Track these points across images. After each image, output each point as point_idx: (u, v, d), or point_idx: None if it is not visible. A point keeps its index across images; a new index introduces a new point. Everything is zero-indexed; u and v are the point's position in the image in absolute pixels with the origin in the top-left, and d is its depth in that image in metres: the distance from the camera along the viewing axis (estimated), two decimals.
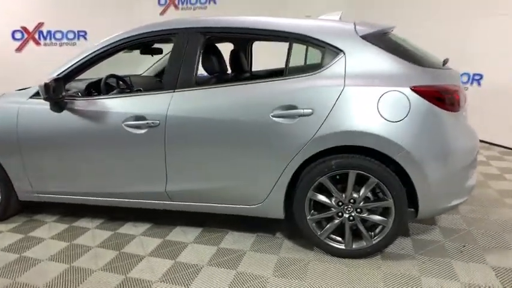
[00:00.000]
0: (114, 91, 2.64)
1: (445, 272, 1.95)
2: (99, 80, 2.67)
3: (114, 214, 2.72)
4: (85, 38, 6.04)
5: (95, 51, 2.32)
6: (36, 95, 2.37)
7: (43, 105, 2.31)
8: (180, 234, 2.45)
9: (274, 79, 2.06)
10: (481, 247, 2.17)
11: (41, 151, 2.39)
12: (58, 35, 5.90)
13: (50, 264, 2.15)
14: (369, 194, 2.02)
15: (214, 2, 6.34)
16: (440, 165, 1.90)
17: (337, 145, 1.92)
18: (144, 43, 2.45)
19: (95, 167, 2.34)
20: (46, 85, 2.10)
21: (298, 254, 2.17)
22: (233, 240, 2.34)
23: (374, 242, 2.04)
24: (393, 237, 2.04)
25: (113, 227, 2.59)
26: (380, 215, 2.03)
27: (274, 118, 1.98)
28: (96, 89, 2.61)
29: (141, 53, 3.07)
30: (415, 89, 1.87)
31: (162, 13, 6.40)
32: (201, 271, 2.02)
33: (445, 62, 2.15)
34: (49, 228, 2.60)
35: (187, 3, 6.37)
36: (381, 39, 2.03)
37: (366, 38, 2.01)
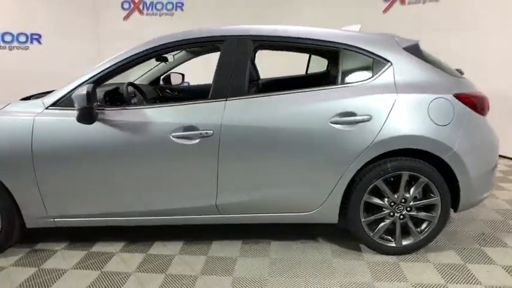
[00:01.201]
0: (135, 100, 2.44)
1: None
2: (116, 89, 2.44)
3: (129, 235, 2.49)
4: (39, 42, 5.38)
5: (131, 56, 2.13)
6: (55, 104, 2.09)
7: (65, 117, 2.05)
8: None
9: (330, 87, 2.12)
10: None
11: (63, 169, 2.09)
12: (7, 38, 5.17)
13: None
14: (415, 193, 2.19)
15: (182, 9, 6.18)
16: (478, 162, 2.14)
17: (395, 149, 2.04)
18: (184, 49, 2.29)
19: (132, 183, 2.12)
20: (88, 94, 1.86)
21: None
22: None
23: (421, 238, 2.21)
24: (438, 231, 2.22)
25: (140, 248, 2.37)
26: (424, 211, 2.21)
27: (333, 125, 2.04)
28: (116, 97, 2.38)
29: (156, 60, 2.88)
30: (457, 96, 2.09)
31: (125, 18, 6.02)
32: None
33: (461, 72, 2.44)
34: (63, 257, 2.27)
35: (152, 8, 6.10)
36: (418, 51, 2.23)
37: (407, 49, 2.19)
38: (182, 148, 2.04)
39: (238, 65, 2.11)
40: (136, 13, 6.07)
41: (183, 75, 3.64)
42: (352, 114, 2.04)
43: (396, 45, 2.19)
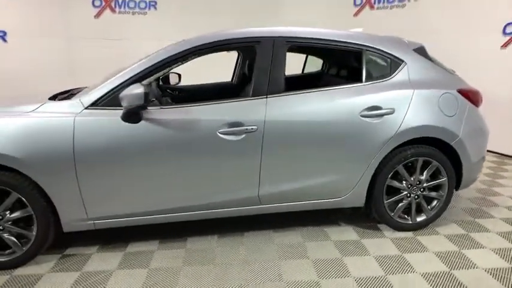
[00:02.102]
0: (166, 98, 2.46)
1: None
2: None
3: (158, 232, 2.53)
4: (4, 40, 4.95)
5: (170, 56, 2.16)
6: (95, 104, 2.06)
7: (107, 116, 2.04)
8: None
9: (357, 84, 2.36)
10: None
11: (106, 170, 2.07)
12: None
13: None
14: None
15: (155, 8, 6.08)
16: (475, 147, 2.53)
17: (414, 138, 2.35)
18: (221, 49, 2.36)
19: (178, 180, 2.16)
20: (146, 93, 1.88)
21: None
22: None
23: (432, 214, 2.55)
24: (445, 207, 2.58)
25: (178, 244, 2.41)
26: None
27: (362, 118, 2.28)
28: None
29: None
30: (460, 91, 2.46)
31: (96, 16, 5.77)
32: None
33: (454, 71, 2.84)
34: (102, 259, 2.24)
35: (125, 6, 5.92)
36: (424, 52, 2.56)
37: (416, 50, 2.52)
38: (228, 144, 2.14)
39: (275, 64, 2.26)
40: (108, 11, 5.84)
41: (179, 75, 3.67)
42: (379, 108, 2.30)
43: (407, 47, 2.51)
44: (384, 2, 5.60)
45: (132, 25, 6.00)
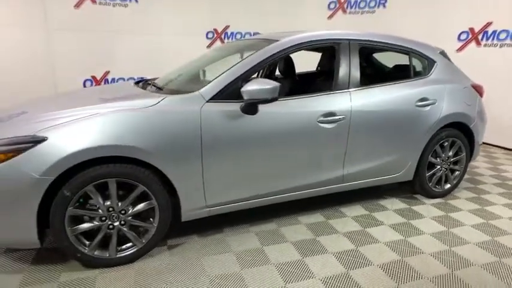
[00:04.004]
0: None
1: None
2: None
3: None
4: None
5: (272, 54, 2.38)
6: (214, 97, 2.19)
7: (228, 107, 2.20)
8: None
9: (408, 80, 2.89)
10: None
11: (228, 159, 2.22)
12: None
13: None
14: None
15: (136, 1, 5.89)
16: (482, 129, 3.29)
17: (449, 122, 2.97)
18: (312, 48, 2.65)
19: (284, 165, 2.42)
20: (277, 88, 2.11)
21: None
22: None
23: (454, 183, 3.24)
24: (461, 178, 3.27)
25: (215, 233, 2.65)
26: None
27: (417, 107, 2.82)
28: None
29: None
30: (472, 85, 3.18)
31: (76, 6, 5.38)
32: None
33: None
34: (200, 245, 2.38)
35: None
36: (446, 55, 3.22)
37: (441, 53, 3.15)
38: (324, 131, 2.48)
39: (353, 62, 2.65)
40: (88, 1, 5.49)
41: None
42: (426, 99, 2.86)
43: (435, 50, 3.13)
44: (355, 7, 6.34)
45: (112, 17, 5.74)
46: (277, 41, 2.48)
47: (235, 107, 2.21)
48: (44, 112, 2.07)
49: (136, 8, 5.91)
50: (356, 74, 2.65)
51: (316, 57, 3.92)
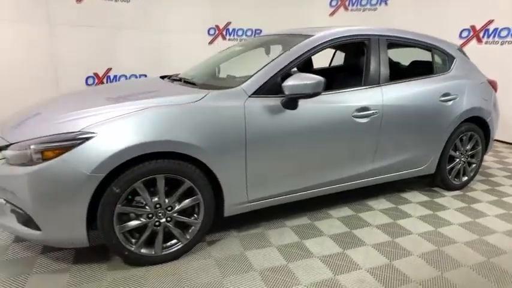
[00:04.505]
0: None
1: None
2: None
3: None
4: None
5: (308, 50, 2.40)
6: (255, 92, 2.19)
7: (269, 102, 2.20)
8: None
9: (432, 75, 2.97)
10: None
11: (269, 153, 2.23)
12: None
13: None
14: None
15: None
16: (496, 123, 3.41)
17: (469, 117, 3.06)
18: (344, 44, 2.68)
19: (322, 159, 2.44)
20: (323, 82, 2.13)
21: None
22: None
23: (471, 175, 3.34)
24: (477, 171, 3.39)
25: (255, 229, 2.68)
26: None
27: (440, 102, 2.90)
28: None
29: None
30: (488, 80, 3.29)
31: (78, 0, 5.23)
32: None
33: None
34: (241, 240, 2.38)
35: None
36: (463, 51, 3.31)
37: (458, 50, 3.25)
38: (358, 125, 2.51)
39: (383, 58, 2.70)
40: None
41: None
42: (449, 94, 2.95)
43: (454, 46, 3.21)
44: (357, 4, 6.43)
45: (114, 11, 5.63)
46: (312, 36, 2.50)
47: (275, 101, 2.22)
48: (81, 109, 2.00)
49: (139, 3, 5.82)
50: (385, 69, 2.70)
51: (318, 54, 3.98)
